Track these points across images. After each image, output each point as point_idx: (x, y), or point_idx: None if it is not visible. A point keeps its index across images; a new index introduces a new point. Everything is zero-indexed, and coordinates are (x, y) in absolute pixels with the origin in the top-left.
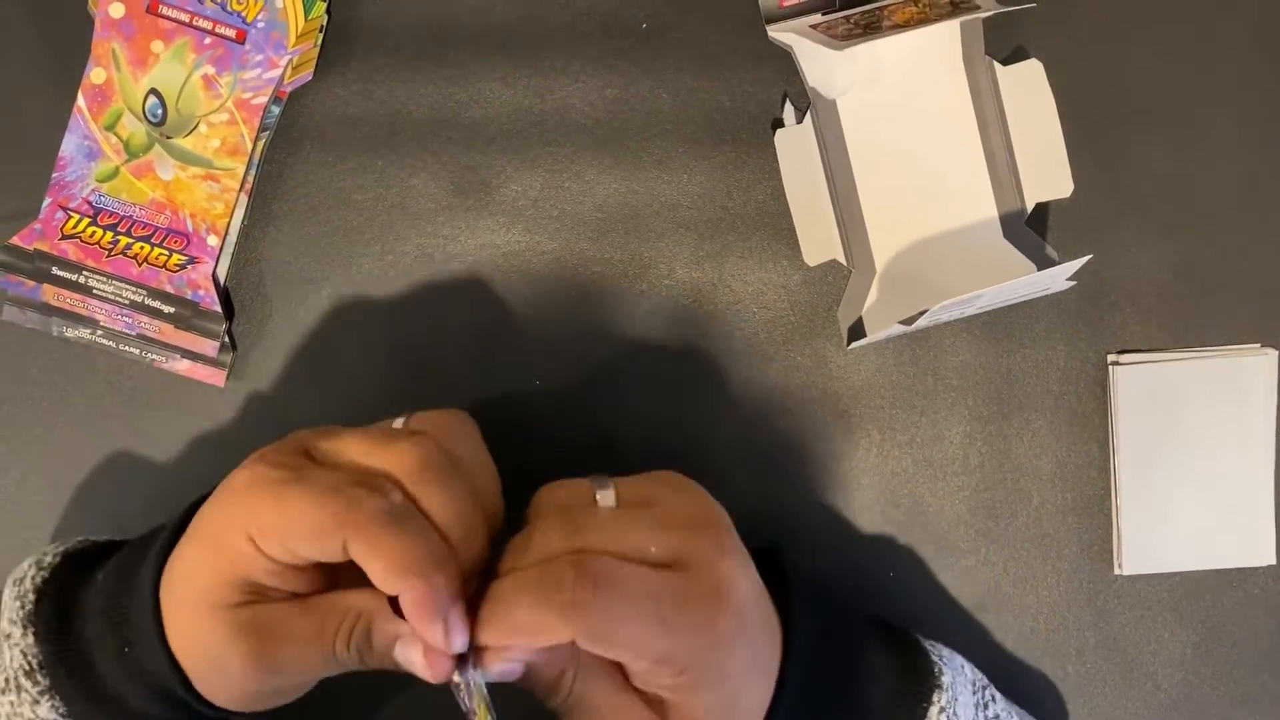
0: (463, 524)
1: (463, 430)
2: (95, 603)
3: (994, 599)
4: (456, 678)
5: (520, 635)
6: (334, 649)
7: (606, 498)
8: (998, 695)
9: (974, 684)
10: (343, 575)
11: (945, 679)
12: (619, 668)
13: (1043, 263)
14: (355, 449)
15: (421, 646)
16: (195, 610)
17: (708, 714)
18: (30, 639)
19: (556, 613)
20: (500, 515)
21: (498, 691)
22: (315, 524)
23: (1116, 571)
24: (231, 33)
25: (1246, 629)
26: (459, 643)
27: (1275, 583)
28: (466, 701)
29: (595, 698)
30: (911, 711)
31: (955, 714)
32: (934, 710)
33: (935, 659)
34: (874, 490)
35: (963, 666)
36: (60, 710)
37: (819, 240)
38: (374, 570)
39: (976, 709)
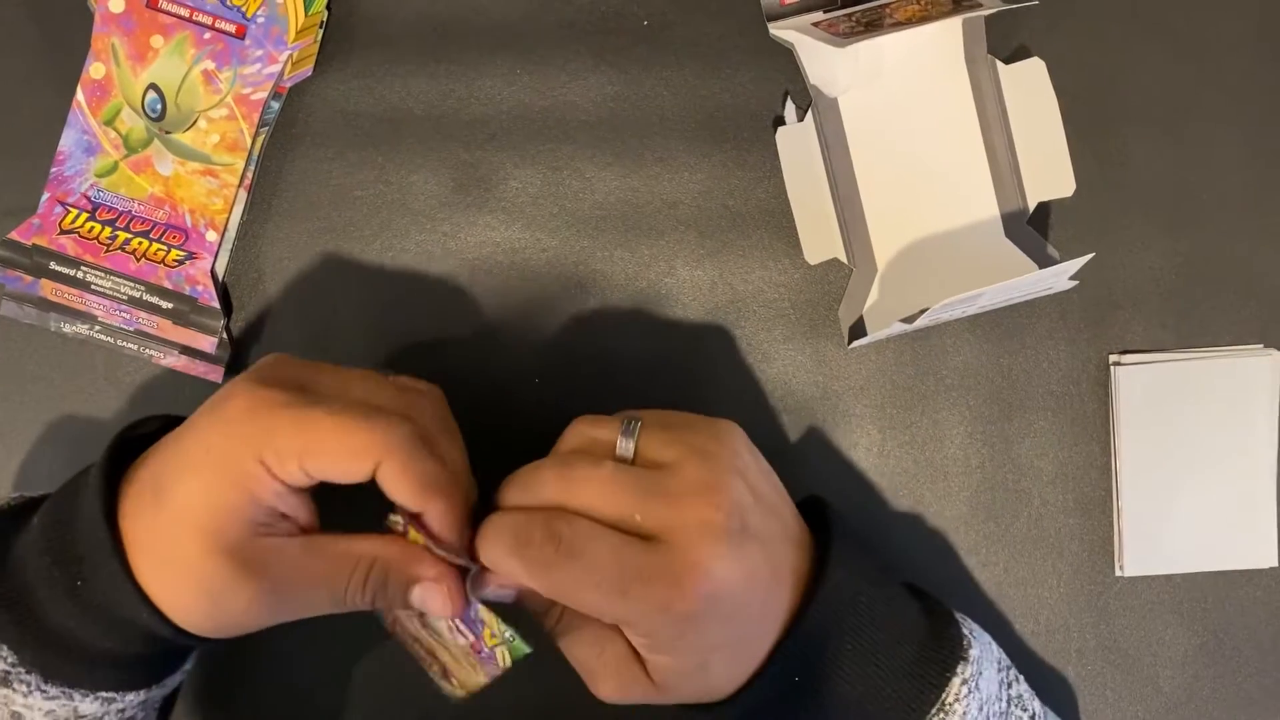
0: (466, 471)
1: (443, 408)
2: (36, 544)
3: (995, 600)
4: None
5: (499, 573)
6: (346, 594)
7: (626, 448)
8: (1022, 679)
9: (999, 663)
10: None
11: (973, 652)
12: None
13: (1044, 262)
14: (361, 389)
15: (441, 588)
16: (194, 544)
17: (674, 675)
18: None
19: (522, 566)
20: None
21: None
22: (350, 446)
23: (1118, 573)
24: (231, 28)
25: (1248, 631)
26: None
27: (1277, 584)
28: (472, 631)
29: (581, 631)
30: (936, 677)
31: (978, 686)
32: (956, 680)
33: (965, 632)
34: (873, 490)
35: (991, 644)
36: (10, 660)
37: (820, 238)
38: (404, 488)
39: (1001, 686)
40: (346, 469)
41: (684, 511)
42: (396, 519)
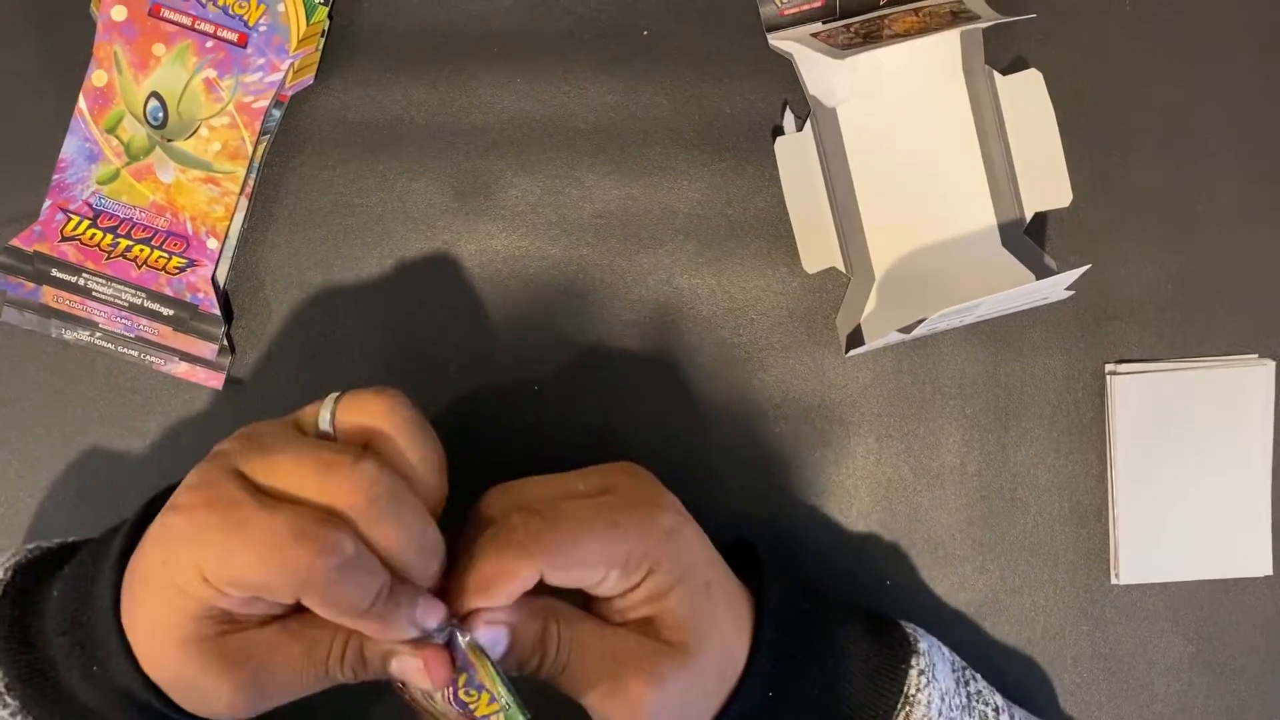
0: (418, 551)
1: (400, 420)
2: (56, 622)
3: (990, 608)
4: (451, 695)
5: (491, 589)
6: (327, 670)
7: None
8: (979, 677)
9: (953, 663)
10: None
11: (921, 645)
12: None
13: (1041, 272)
14: (294, 479)
15: (417, 661)
16: (171, 647)
17: (686, 610)
18: None
19: (515, 553)
20: (444, 498)
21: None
22: (267, 581)
23: (1113, 581)
24: (233, 36)
25: (1243, 639)
26: (435, 623)
27: (1271, 593)
28: (466, 702)
29: (586, 641)
30: (892, 670)
31: (935, 677)
32: (913, 672)
33: (910, 630)
34: (871, 498)
35: (939, 643)
36: None
37: (818, 248)
38: (329, 616)
39: (958, 684)
40: (273, 597)
41: (621, 474)
42: None
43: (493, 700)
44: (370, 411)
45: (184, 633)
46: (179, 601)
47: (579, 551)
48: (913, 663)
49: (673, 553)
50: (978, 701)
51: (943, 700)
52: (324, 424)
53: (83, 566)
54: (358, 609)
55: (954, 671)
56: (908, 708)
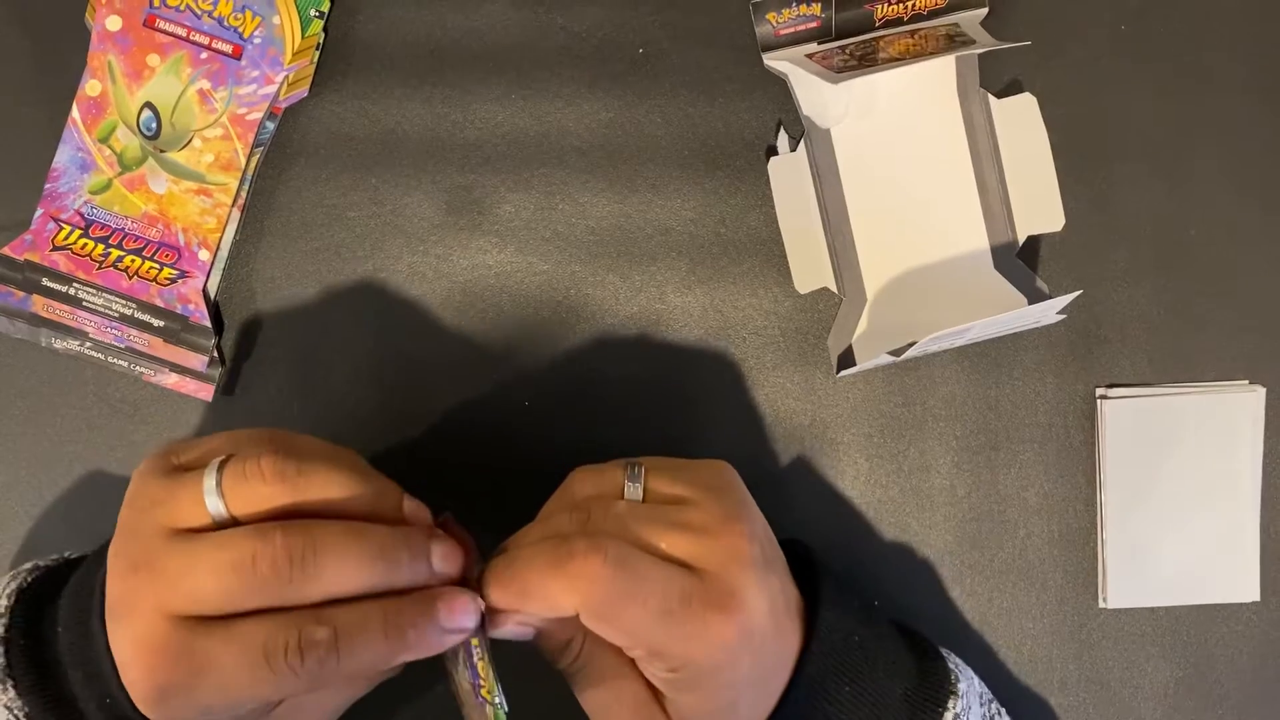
0: (392, 564)
1: (298, 485)
2: (66, 656)
3: (978, 630)
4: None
5: (528, 601)
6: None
7: (635, 491)
8: (1004, 711)
9: (981, 696)
10: None
11: (961, 686)
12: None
13: (1033, 296)
14: (216, 589)
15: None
16: (141, 679)
17: (697, 714)
18: (13, 693)
19: (564, 582)
20: (394, 491)
21: (510, 648)
22: (268, 695)
23: (1101, 604)
24: (228, 48)
25: (1230, 665)
26: (470, 623)
27: (1259, 619)
28: (475, 675)
29: (599, 670)
30: (929, 713)
31: None
32: (949, 715)
33: (952, 666)
34: (860, 519)
35: (974, 678)
36: None
37: (810, 268)
38: (375, 673)
39: None
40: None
41: (713, 542)
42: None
43: (487, 690)
44: (263, 495)
45: (155, 661)
46: (150, 636)
47: (619, 618)
48: (949, 705)
49: (711, 670)
50: None
51: None
52: (215, 510)
53: (79, 599)
54: (382, 663)
55: (982, 705)
56: None
